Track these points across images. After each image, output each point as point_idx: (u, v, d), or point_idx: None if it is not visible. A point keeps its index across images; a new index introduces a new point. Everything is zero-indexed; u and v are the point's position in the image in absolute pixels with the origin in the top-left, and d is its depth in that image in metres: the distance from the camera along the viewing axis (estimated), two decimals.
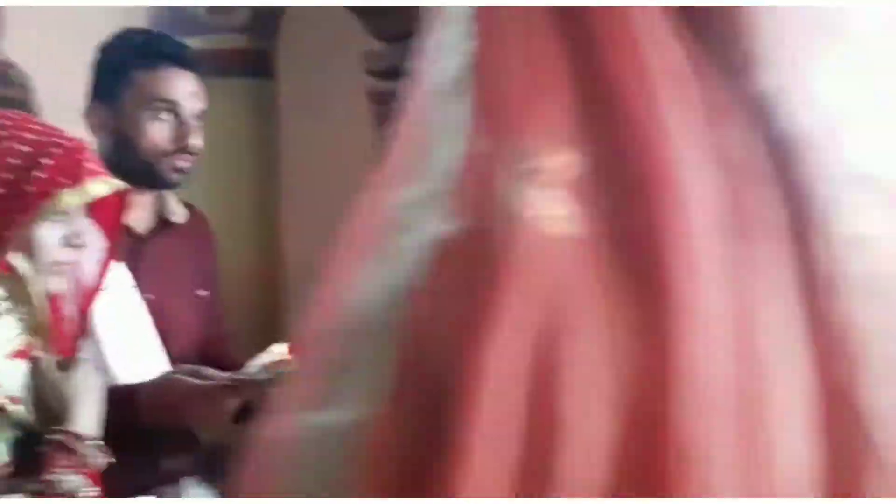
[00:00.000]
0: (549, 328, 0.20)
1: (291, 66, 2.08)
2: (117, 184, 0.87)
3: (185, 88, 1.33)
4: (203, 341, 1.35)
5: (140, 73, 1.30)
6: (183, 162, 1.32)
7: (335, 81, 1.96)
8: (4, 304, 0.75)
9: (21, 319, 0.76)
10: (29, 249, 0.77)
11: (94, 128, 1.30)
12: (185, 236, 1.37)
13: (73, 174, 0.80)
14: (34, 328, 0.77)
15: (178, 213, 1.35)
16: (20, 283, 0.76)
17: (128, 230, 1.22)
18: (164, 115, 1.30)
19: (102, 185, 0.85)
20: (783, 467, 0.21)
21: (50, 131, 0.83)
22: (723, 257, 0.21)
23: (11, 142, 0.77)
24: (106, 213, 0.89)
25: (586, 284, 0.20)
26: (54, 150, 0.80)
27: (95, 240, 0.84)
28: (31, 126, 0.81)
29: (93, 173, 0.83)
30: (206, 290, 1.38)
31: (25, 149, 0.78)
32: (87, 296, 0.85)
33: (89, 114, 1.32)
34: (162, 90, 1.31)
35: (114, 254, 0.90)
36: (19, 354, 0.76)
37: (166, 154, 1.30)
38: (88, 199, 0.83)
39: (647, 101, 0.21)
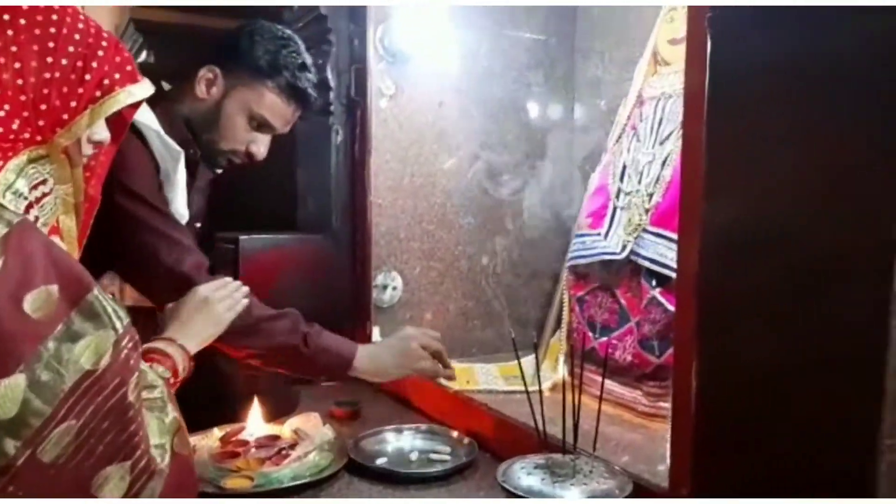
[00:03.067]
0: None
1: None
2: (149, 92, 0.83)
3: (289, 119, 1.38)
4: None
5: (273, 89, 1.33)
6: (237, 160, 1.39)
7: None
8: (50, 184, 0.77)
9: (56, 199, 0.79)
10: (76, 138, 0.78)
11: (202, 81, 1.34)
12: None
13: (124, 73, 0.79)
14: (68, 208, 0.81)
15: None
16: (65, 165, 0.78)
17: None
18: (255, 127, 1.35)
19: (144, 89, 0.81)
20: None
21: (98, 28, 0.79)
22: None
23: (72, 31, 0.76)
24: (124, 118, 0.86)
25: None
26: (104, 43, 0.78)
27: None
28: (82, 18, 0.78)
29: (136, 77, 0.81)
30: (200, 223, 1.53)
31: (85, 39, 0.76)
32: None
33: (211, 72, 1.33)
34: (271, 115, 1.34)
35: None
36: (53, 231, 0.80)
37: (233, 151, 1.37)
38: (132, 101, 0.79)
39: None
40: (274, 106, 1.35)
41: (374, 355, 1.30)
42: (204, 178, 1.49)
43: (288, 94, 1.35)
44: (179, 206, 1.32)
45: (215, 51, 1.37)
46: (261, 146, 1.38)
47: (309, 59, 1.40)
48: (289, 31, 1.42)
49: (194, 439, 1.18)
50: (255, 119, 1.35)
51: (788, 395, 0.75)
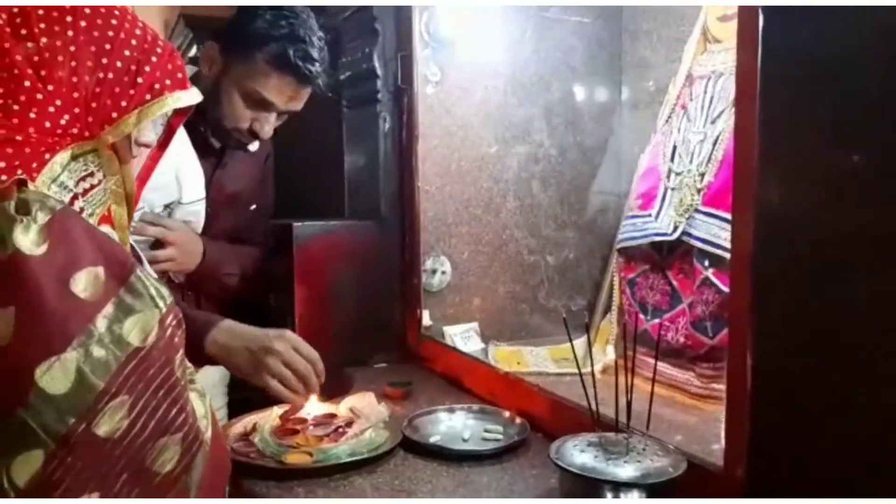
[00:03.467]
0: None
1: None
2: (196, 99, 0.86)
3: (289, 94, 1.33)
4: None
5: (263, 61, 1.29)
6: (244, 139, 1.38)
7: None
8: (98, 176, 0.80)
9: (106, 189, 0.84)
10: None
11: (203, 59, 1.35)
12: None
13: (175, 79, 0.82)
14: (119, 198, 0.86)
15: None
16: (113, 160, 0.83)
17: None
18: (253, 104, 1.31)
19: (192, 96, 0.84)
20: None
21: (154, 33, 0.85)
22: None
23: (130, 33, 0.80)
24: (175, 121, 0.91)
25: None
26: (158, 49, 0.82)
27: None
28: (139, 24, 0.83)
29: (185, 84, 0.85)
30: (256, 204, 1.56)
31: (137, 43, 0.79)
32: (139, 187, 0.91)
33: (210, 49, 1.35)
34: (264, 89, 1.30)
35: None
36: (104, 220, 0.84)
37: (236, 129, 1.35)
38: (178, 105, 0.82)
39: None
40: (266, 79, 1.29)
41: (231, 339, 1.13)
42: (238, 161, 1.49)
43: (277, 65, 1.29)
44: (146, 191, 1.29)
45: (223, 30, 1.35)
46: (264, 125, 1.34)
47: (317, 34, 1.34)
48: (297, 9, 1.36)
49: (255, 417, 1.23)
50: (249, 95, 1.31)
51: (847, 375, 0.74)
